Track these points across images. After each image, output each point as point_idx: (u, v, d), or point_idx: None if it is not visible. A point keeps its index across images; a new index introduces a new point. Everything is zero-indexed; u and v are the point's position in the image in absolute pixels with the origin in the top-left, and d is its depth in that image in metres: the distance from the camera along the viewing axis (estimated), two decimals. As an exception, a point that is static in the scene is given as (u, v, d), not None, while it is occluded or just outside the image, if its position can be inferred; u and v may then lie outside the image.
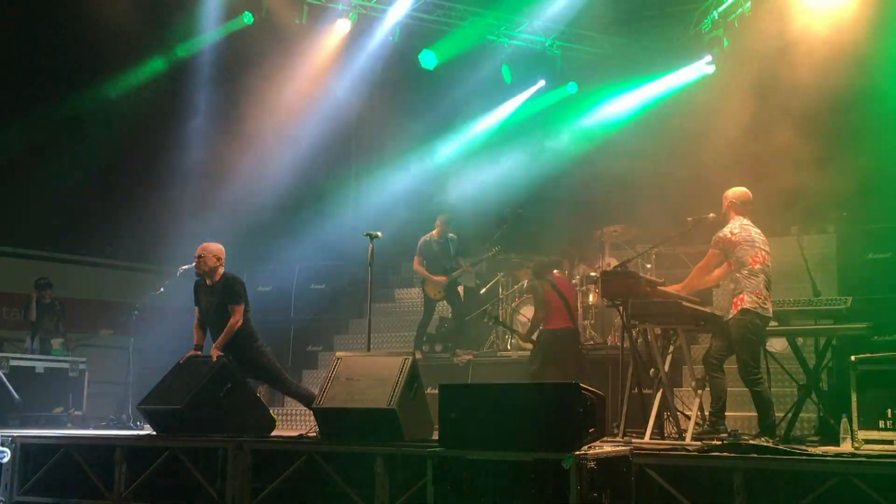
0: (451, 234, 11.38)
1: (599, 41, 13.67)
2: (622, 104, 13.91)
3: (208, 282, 8.08)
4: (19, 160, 12.54)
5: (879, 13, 11.32)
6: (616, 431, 7.39)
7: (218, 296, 8.01)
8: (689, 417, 7.33)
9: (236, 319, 7.90)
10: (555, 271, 10.35)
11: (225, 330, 7.90)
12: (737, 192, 7.46)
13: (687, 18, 13.04)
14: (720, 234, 7.33)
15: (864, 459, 5.43)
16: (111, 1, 11.58)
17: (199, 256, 8.05)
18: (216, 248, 8.12)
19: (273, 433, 7.92)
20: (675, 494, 5.51)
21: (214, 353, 7.80)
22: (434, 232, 11.34)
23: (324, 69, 13.43)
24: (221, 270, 8.07)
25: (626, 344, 7.63)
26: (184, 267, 9.67)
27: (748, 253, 7.18)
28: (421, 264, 11.29)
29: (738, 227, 7.28)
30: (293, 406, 10.59)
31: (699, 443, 6.53)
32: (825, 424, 7.41)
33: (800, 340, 7.87)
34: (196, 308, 8.19)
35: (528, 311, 10.67)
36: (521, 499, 5.06)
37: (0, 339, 11.85)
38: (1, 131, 12.24)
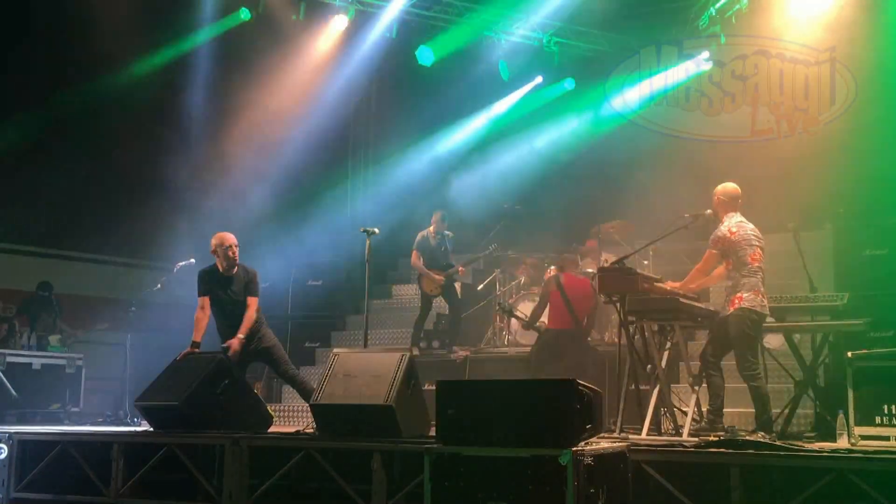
0: (446, 232, 11.33)
1: (597, 37, 13.67)
2: (619, 100, 13.92)
3: (226, 273, 8.11)
4: (16, 157, 12.49)
5: (874, 12, 11.36)
6: (613, 428, 7.39)
7: (241, 285, 8.09)
8: (685, 413, 7.34)
9: (253, 310, 8.02)
10: (576, 269, 10.31)
11: (244, 323, 7.96)
12: (725, 188, 7.46)
13: (684, 15, 13.05)
14: (718, 234, 7.30)
15: (860, 455, 5.43)
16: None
17: (237, 246, 8.11)
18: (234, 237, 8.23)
19: (270, 429, 7.92)
20: (672, 490, 5.52)
21: (237, 342, 7.86)
22: (430, 228, 11.31)
23: (321, 65, 13.41)
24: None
25: (624, 340, 7.64)
26: (181, 263, 9.67)
27: (747, 252, 7.17)
28: (419, 259, 11.25)
29: (735, 225, 7.26)
30: (290, 402, 10.59)
31: (696, 439, 6.55)
32: (822, 420, 7.41)
33: (796, 336, 7.87)
34: (203, 298, 8.13)
35: (525, 308, 10.66)
36: (518, 495, 5.06)
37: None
38: (-2, 128, 12.22)
